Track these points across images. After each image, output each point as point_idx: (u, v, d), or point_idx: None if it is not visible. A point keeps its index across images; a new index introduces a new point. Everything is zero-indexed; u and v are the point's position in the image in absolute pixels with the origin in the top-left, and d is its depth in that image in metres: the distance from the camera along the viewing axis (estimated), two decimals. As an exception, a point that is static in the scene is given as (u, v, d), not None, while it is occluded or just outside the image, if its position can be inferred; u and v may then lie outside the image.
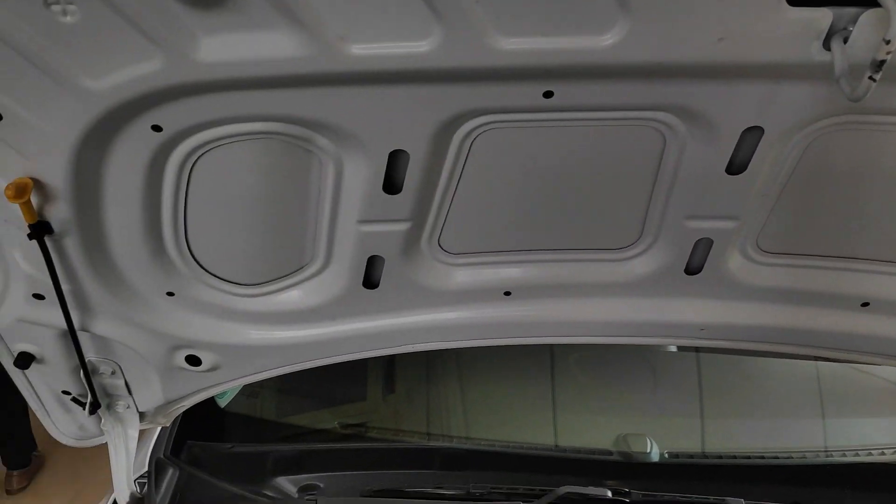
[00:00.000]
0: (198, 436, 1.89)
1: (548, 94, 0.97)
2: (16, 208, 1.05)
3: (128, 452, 1.58)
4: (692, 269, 1.22)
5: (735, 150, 1.05)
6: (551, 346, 2.06)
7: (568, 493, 1.51)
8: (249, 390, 2.04)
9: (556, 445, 1.83)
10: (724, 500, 1.51)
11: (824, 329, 1.27)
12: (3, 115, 0.96)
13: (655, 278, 1.23)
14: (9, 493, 4.36)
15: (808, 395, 2.10)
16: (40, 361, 1.37)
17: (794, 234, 1.19)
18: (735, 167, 1.07)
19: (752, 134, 1.03)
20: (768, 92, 0.95)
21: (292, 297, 1.31)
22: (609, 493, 1.52)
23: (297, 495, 1.74)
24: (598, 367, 2.12)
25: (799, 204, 1.14)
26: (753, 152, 1.04)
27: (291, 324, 1.35)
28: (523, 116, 1.02)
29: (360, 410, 2.10)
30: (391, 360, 2.13)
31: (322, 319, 1.35)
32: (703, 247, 1.21)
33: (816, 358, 2.12)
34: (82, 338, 1.32)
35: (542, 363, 2.07)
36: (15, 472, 4.37)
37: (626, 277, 1.25)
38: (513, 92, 0.97)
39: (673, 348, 2.22)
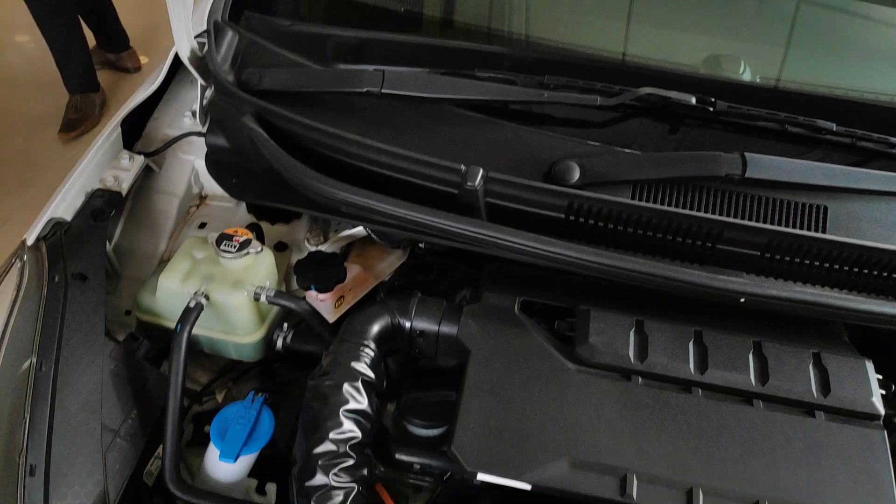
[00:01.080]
0: (255, 8, 1.77)
1: None
2: None
3: (185, 6, 1.47)
4: None
5: None
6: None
7: (649, 93, 1.40)
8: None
9: (637, 56, 1.67)
10: (813, 121, 1.41)
11: None
12: None
13: None
14: (127, 72, 4.24)
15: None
16: None
17: None
18: None
19: None
20: None
21: None
22: (693, 100, 1.41)
23: None
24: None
25: None
26: None
27: None
28: None
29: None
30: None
31: None
32: None
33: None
34: None
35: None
36: (123, 54, 4.21)
37: None
38: None
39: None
